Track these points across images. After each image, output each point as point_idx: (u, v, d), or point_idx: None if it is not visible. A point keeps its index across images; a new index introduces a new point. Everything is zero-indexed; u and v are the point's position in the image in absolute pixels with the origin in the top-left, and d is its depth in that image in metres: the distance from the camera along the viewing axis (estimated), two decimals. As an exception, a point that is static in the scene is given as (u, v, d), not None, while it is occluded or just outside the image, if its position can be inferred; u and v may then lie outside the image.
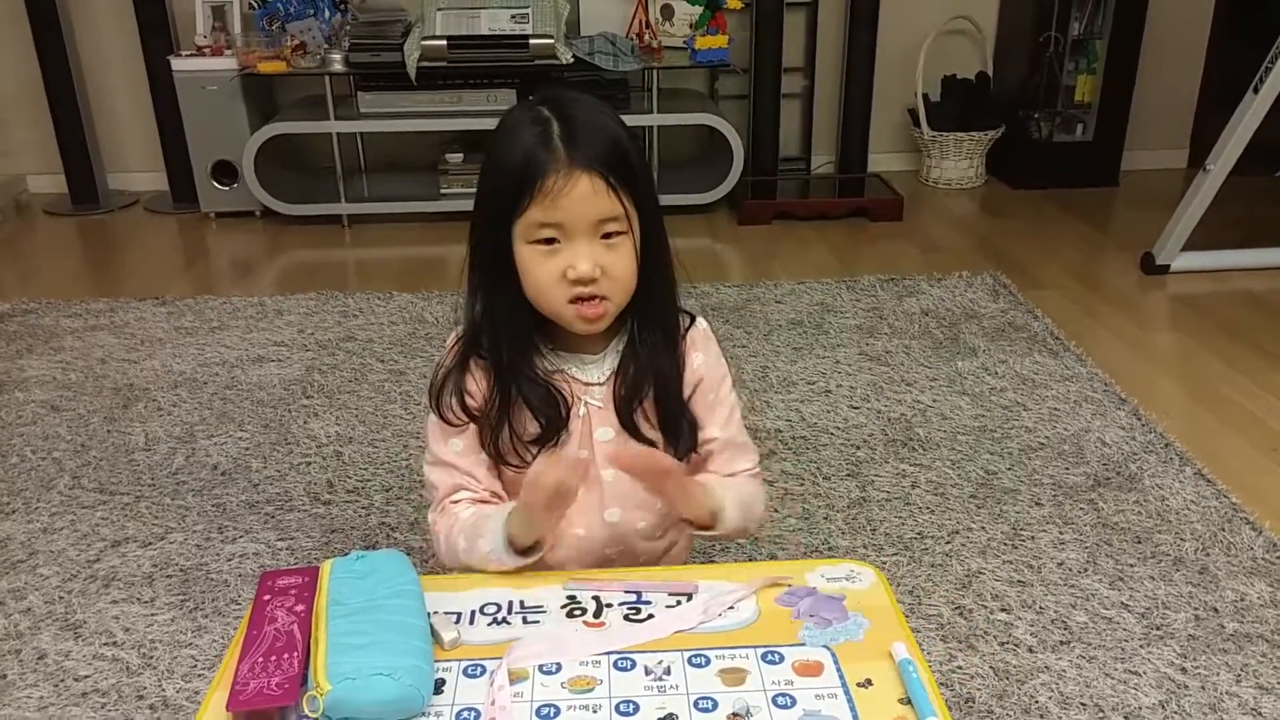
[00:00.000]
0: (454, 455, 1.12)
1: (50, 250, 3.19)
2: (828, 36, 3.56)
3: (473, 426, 1.11)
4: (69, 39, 3.33)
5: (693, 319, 1.15)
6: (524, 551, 1.04)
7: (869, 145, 3.58)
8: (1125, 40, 3.43)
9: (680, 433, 1.11)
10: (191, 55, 3.20)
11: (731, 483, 1.12)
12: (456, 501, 1.11)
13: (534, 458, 1.08)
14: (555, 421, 1.08)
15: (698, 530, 1.10)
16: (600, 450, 1.11)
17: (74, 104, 3.39)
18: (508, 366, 1.08)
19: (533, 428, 1.08)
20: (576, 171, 0.97)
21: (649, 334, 1.09)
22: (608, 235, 1.00)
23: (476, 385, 1.10)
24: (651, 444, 1.10)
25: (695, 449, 1.14)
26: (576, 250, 1.00)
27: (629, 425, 1.10)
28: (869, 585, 1.02)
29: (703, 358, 1.13)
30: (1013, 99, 3.57)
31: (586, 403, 1.10)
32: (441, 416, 1.11)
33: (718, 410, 1.15)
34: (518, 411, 1.08)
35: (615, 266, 1.01)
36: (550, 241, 1.00)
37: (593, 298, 1.02)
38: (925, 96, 3.57)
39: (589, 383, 1.09)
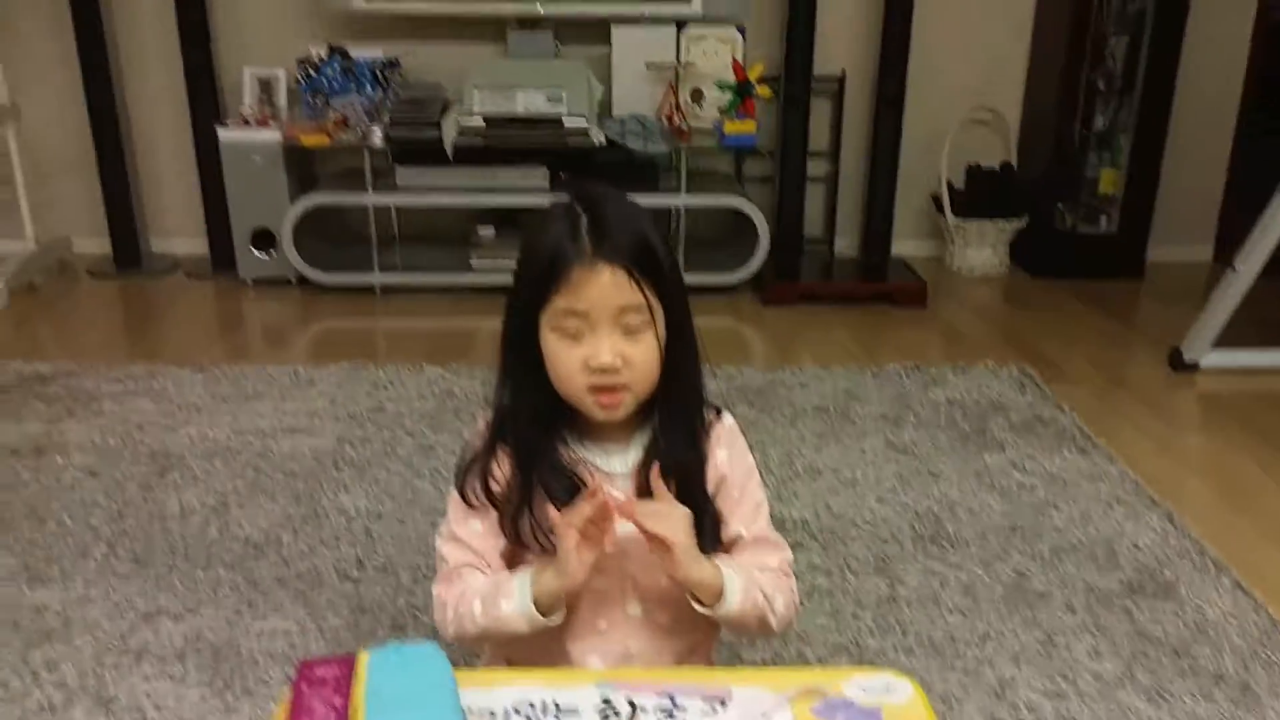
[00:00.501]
0: (471, 535, 1.14)
1: (92, 312, 3.25)
2: (853, 122, 3.63)
3: (494, 512, 1.13)
4: (120, 106, 3.45)
5: (719, 412, 1.17)
6: (545, 613, 1.07)
7: (892, 230, 3.63)
8: (1150, 133, 3.49)
9: (703, 529, 1.11)
10: (238, 126, 3.29)
11: (748, 571, 1.12)
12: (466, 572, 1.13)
13: (554, 547, 1.09)
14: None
15: (698, 604, 1.09)
16: (622, 542, 1.10)
17: (122, 169, 3.48)
18: (531, 453, 1.10)
19: (554, 516, 1.10)
20: (600, 263, 1.02)
21: (673, 429, 1.12)
22: (630, 327, 1.04)
23: (502, 470, 1.13)
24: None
25: (720, 546, 1.15)
26: (598, 340, 1.03)
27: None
28: (906, 699, 1.01)
29: (727, 454, 1.15)
30: (1036, 189, 3.62)
31: (609, 493, 1.10)
32: (464, 498, 1.14)
33: (743, 506, 1.16)
34: (539, 499, 1.10)
35: (637, 357, 1.04)
36: (575, 331, 1.04)
37: (613, 388, 1.05)
38: (949, 184, 3.62)
39: (612, 473, 1.12)
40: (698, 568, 1.06)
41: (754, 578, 1.11)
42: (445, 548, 1.16)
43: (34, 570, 1.78)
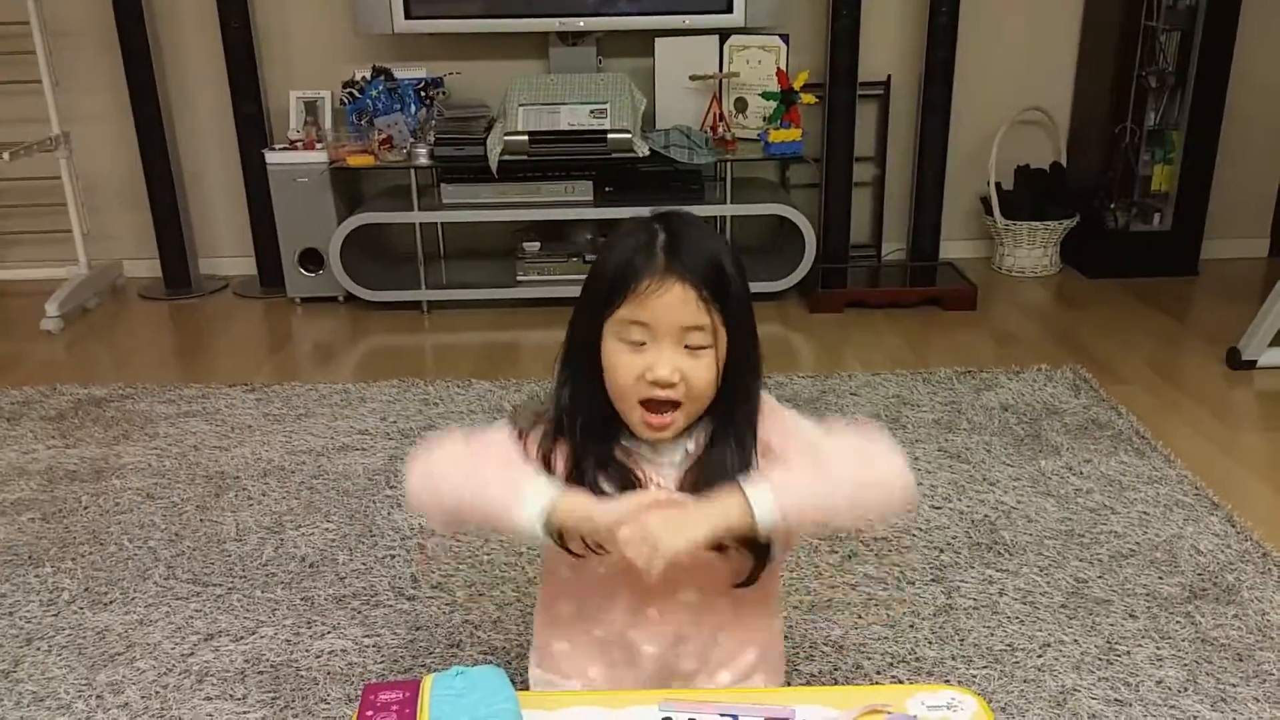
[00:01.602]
0: (503, 442, 1.12)
1: (144, 334, 3.32)
2: (899, 126, 3.60)
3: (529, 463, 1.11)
4: (169, 131, 3.51)
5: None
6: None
7: (940, 233, 3.59)
8: (1203, 129, 3.41)
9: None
10: (284, 149, 3.34)
11: (793, 470, 1.07)
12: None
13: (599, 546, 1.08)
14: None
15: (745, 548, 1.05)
16: None
17: (171, 192, 3.55)
18: (588, 453, 1.11)
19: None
20: (671, 278, 1.03)
21: (723, 446, 1.11)
22: (693, 345, 1.05)
23: (556, 464, 1.12)
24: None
25: (768, 558, 1.13)
26: (660, 353, 1.04)
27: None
28: (970, 716, 1.00)
29: (778, 440, 1.12)
30: (1087, 189, 3.55)
31: (658, 484, 1.12)
32: (521, 437, 1.12)
33: (791, 444, 1.12)
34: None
35: (695, 376, 1.05)
36: (637, 343, 1.05)
37: (665, 406, 1.06)
38: (998, 185, 3.58)
39: (661, 463, 1.12)
40: (702, 521, 1.02)
41: (799, 472, 1.07)
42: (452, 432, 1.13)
43: (95, 593, 1.82)
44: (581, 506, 1.05)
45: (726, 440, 1.11)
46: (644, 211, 1.11)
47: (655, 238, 1.05)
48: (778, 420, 1.14)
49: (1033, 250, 3.60)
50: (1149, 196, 3.53)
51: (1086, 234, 3.57)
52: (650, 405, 1.06)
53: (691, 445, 1.12)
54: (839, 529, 1.06)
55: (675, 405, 1.06)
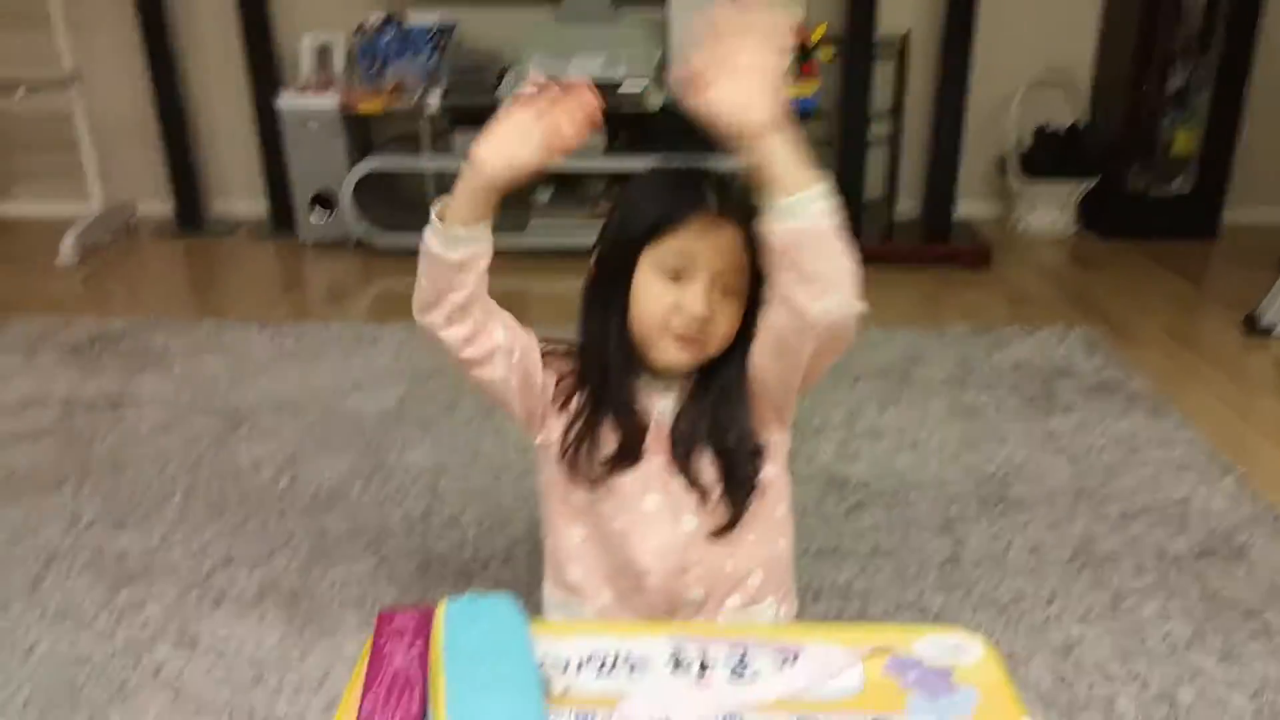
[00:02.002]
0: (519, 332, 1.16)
1: (158, 271, 3.32)
2: (918, 83, 3.55)
3: (534, 349, 1.15)
4: (181, 72, 3.50)
5: None
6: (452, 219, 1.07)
7: (956, 192, 3.56)
8: (1228, 92, 3.37)
9: (737, 476, 1.13)
10: (296, 93, 3.32)
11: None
12: None
13: (604, 474, 1.12)
14: (632, 449, 1.13)
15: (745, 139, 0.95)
16: (657, 465, 1.13)
17: (184, 134, 3.54)
18: (607, 387, 1.12)
19: (608, 448, 1.13)
20: (724, 220, 1.05)
21: (716, 384, 1.13)
22: (728, 287, 1.07)
23: (559, 382, 1.16)
24: (698, 480, 1.12)
25: (753, 485, 1.14)
26: (695, 291, 1.06)
27: (681, 456, 1.12)
28: (978, 658, 1.01)
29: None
30: (1107, 150, 3.52)
31: (659, 412, 1.14)
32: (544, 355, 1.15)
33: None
34: (604, 431, 1.13)
35: (722, 318, 1.07)
36: (675, 275, 1.06)
37: (694, 338, 1.08)
38: (1017, 144, 3.54)
39: (664, 393, 1.14)
40: (781, 135, 0.95)
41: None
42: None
43: (116, 517, 1.84)
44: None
45: (717, 386, 1.13)
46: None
47: (704, 179, 1.07)
48: None
49: (1050, 210, 3.57)
50: (1171, 159, 3.49)
51: (1105, 195, 3.54)
52: (679, 334, 1.08)
53: (680, 393, 1.14)
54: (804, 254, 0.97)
55: (699, 340, 1.08)
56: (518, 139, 1.03)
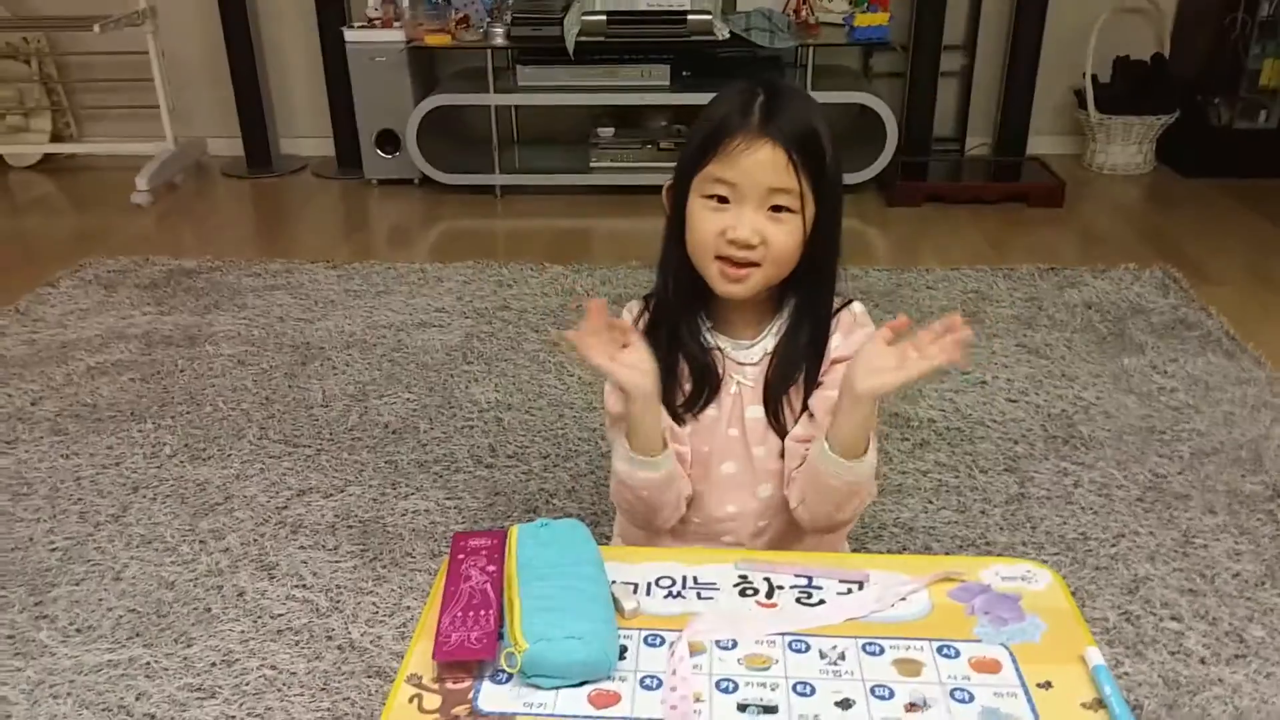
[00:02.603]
0: None
1: (229, 210, 3.39)
2: (993, 12, 3.44)
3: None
4: (251, 10, 3.51)
5: (849, 302, 1.15)
6: (643, 451, 1.08)
7: (1029, 127, 3.46)
8: (1321, 21, 3.22)
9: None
10: (363, 27, 3.33)
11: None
12: None
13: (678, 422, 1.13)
14: (704, 390, 1.13)
15: (837, 454, 1.06)
16: (751, 428, 1.14)
17: (253, 72, 3.57)
18: (674, 332, 1.12)
19: (681, 394, 1.13)
20: (764, 139, 1.02)
21: (803, 323, 1.12)
22: (777, 208, 1.04)
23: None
24: (787, 429, 1.13)
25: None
26: (742, 214, 1.04)
27: (774, 409, 1.13)
28: (1045, 586, 1.01)
29: (840, 339, 1.13)
30: (1190, 83, 3.38)
31: (739, 381, 1.13)
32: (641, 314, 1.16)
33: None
34: (680, 371, 1.13)
35: (776, 240, 1.04)
36: (721, 200, 1.04)
37: (743, 262, 1.05)
38: (1094, 77, 3.42)
39: (742, 363, 1.13)
40: (874, 407, 1.05)
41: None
42: (611, 432, 1.18)
43: (194, 449, 1.91)
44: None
45: (801, 329, 1.11)
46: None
47: (754, 99, 1.04)
48: (855, 336, 1.13)
49: (1127, 147, 3.46)
50: (1257, 92, 3.35)
51: (1186, 131, 3.42)
52: (728, 261, 1.06)
53: (771, 344, 1.12)
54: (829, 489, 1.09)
55: (754, 264, 1.06)
56: (640, 354, 1.04)
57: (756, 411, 1.13)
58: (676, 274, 1.11)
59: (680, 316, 1.11)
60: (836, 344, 1.12)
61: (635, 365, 1.04)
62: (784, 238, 1.04)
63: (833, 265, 1.11)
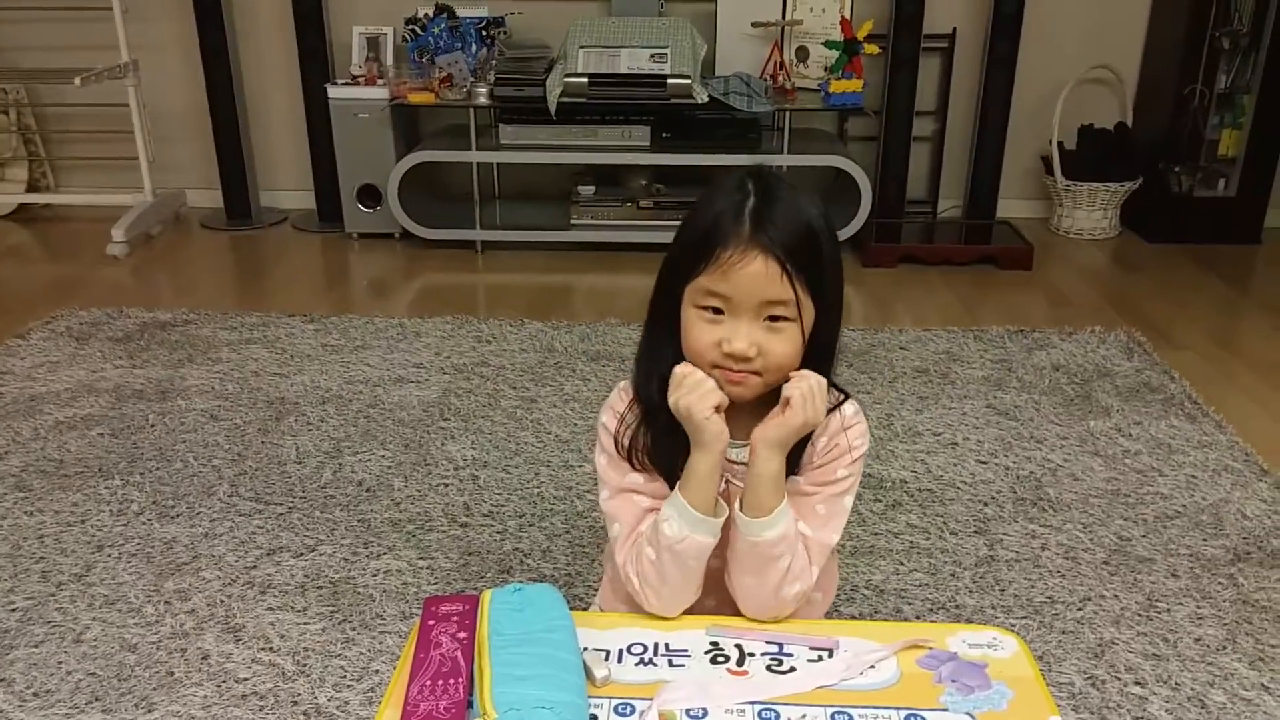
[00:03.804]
0: (637, 482, 1.13)
1: (206, 262, 3.39)
2: (963, 80, 3.54)
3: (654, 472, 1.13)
4: (234, 64, 3.56)
5: (842, 400, 1.12)
6: (706, 510, 1.06)
7: (999, 191, 3.55)
8: (1276, 94, 3.33)
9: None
10: (346, 84, 3.37)
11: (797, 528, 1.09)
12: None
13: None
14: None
15: (744, 514, 1.06)
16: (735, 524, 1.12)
17: (235, 125, 3.61)
18: (658, 423, 1.09)
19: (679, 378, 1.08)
20: (755, 250, 0.99)
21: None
22: (774, 319, 1.01)
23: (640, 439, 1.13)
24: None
25: None
26: (738, 326, 1.01)
27: None
28: (1011, 654, 1.03)
29: (824, 443, 1.10)
30: (1152, 151, 3.48)
31: (729, 481, 1.12)
32: (630, 461, 1.13)
33: (817, 506, 1.12)
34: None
35: (774, 350, 1.02)
36: (716, 310, 1.02)
37: (741, 371, 1.03)
38: (1060, 144, 3.52)
39: (733, 461, 1.12)
40: (777, 456, 1.05)
41: (799, 539, 1.09)
42: (613, 505, 1.14)
43: (162, 506, 1.89)
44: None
45: None
46: (743, 163, 1.08)
47: (745, 201, 1.01)
48: (837, 449, 1.11)
49: (1093, 212, 3.54)
50: (1215, 161, 3.46)
51: (1149, 197, 3.51)
52: (726, 370, 1.03)
53: None
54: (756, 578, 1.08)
55: (755, 373, 1.04)
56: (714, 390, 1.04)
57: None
58: (666, 375, 1.07)
59: (672, 418, 1.06)
60: (821, 447, 1.10)
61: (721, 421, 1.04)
62: (782, 347, 1.02)
63: (830, 359, 1.09)
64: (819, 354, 1.07)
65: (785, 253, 0.99)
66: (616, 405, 1.15)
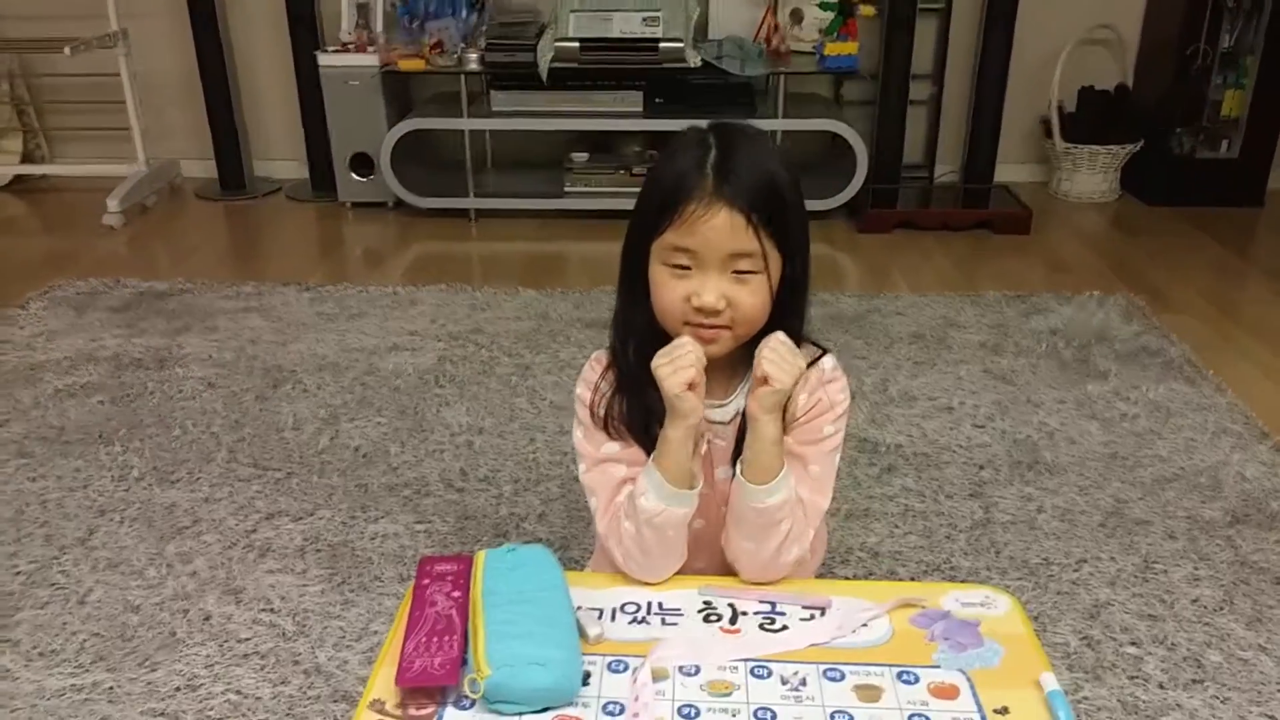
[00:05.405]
0: (613, 451, 1.13)
1: (201, 232, 3.38)
2: (960, 42, 3.51)
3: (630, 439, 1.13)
4: (224, 33, 3.52)
5: (820, 355, 1.12)
6: (680, 483, 1.05)
7: (996, 155, 3.52)
8: (1279, 54, 3.29)
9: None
10: (337, 51, 3.34)
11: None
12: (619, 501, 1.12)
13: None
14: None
15: (747, 480, 1.06)
16: (720, 486, 1.13)
17: (226, 94, 3.58)
18: (636, 388, 1.09)
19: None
20: (719, 203, 0.99)
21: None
22: (741, 271, 1.01)
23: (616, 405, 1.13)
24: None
25: None
26: (705, 280, 1.01)
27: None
28: (1004, 612, 1.03)
29: (805, 399, 1.10)
30: (1153, 113, 3.46)
31: (710, 441, 1.12)
32: (606, 430, 1.13)
33: (810, 467, 1.12)
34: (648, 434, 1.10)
35: (742, 302, 1.02)
36: (683, 267, 1.02)
37: (712, 326, 1.03)
38: (1060, 106, 3.49)
39: (715, 422, 1.12)
40: (774, 420, 1.04)
41: (798, 503, 1.09)
42: (591, 477, 1.14)
43: (162, 472, 1.90)
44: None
45: None
46: (700, 122, 1.06)
47: (706, 155, 1.00)
48: (821, 398, 1.10)
49: (1092, 175, 3.52)
50: (1218, 122, 3.43)
51: (1149, 160, 3.49)
52: (696, 325, 1.03)
53: (743, 402, 1.10)
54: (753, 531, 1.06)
55: (725, 327, 1.04)
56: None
57: (726, 471, 1.12)
58: (641, 337, 1.08)
59: (648, 381, 1.05)
60: (802, 403, 1.10)
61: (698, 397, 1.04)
62: (750, 299, 1.02)
63: (801, 314, 1.09)
64: (789, 305, 1.07)
65: (749, 204, 0.99)
66: (589, 376, 1.15)
